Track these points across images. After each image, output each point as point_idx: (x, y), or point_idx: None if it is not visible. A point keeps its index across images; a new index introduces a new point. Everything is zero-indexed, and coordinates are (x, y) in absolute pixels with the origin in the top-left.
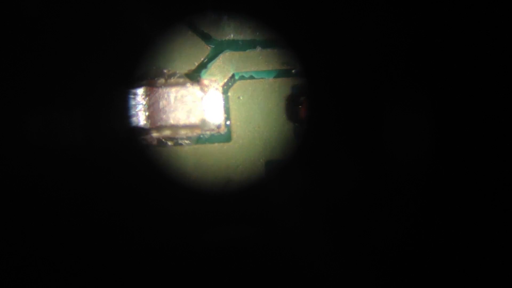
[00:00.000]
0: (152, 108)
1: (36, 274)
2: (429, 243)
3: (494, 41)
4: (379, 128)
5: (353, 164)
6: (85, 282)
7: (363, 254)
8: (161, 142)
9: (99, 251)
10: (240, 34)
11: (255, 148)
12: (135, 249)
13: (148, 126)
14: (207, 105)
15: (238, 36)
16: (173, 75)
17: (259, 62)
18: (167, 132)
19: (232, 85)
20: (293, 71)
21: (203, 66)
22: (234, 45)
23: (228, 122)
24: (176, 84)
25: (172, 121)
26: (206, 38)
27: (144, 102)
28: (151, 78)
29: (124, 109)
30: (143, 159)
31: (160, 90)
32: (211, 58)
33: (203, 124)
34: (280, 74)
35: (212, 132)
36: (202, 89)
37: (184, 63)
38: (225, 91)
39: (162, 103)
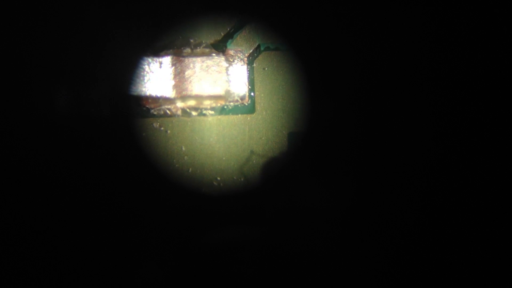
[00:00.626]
0: (178, 77)
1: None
2: (432, 244)
3: (494, 42)
4: (384, 128)
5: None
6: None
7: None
8: (185, 112)
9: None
10: None
11: (279, 120)
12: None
13: (173, 95)
14: (232, 75)
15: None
16: (199, 44)
17: (285, 33)
18: (191, 102)
19: (257, 56)
20: None
21: (229, 36)
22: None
23: (252, 94)
24: (202, 54)
25: (197, 91)
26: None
27: (170, 72)
28: (177, 48)
29: (149, 79)
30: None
31: (186, 59)
32: (238, 28)
33: (227, 95)
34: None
35: (236, 103)
36: (227, 60)
37: (210, 33)
38: (250, 62)
39: (188, 72)
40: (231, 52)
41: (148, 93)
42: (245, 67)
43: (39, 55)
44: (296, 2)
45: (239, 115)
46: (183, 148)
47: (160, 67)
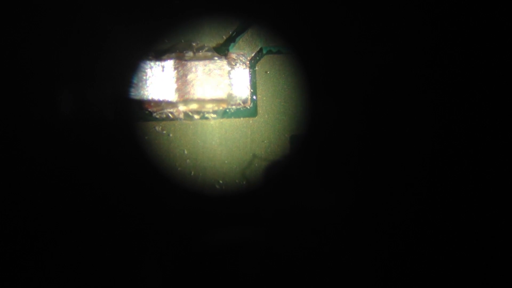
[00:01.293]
0: (180, 81)
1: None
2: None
3: (494, 42)
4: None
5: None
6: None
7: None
8: (187, 116)
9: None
10: None
11: (281, 123)
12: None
13: (175, 99)
14: (234, 79)
15: None
16: (201, 48)
17: (287, 36)
18: (193, 106)
19: (259, 59)
20: None
21: (231, 39)
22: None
23: (254, 97)
24: (204, 58)
25: (199, 95)
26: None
27: (173, 75)
28: (179, 51)
29: (152, 82)
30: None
31: (188, 63)
32: (240, 31)
33: (229, 98)
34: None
35: (238, 107)
36: (229, 63)
37: (212, 37)
38: (252, 66)
39: (190, 76)
40: (233, 55)
41: (150, 97)
42: (247, 70)
43: (41, 58)
44: (298, 5)
45: (241, 118)
46: (185, 152)
47: (163, 70)
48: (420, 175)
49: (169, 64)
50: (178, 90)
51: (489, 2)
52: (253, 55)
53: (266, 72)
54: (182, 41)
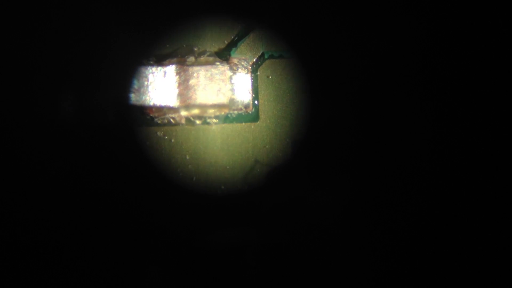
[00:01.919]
0: (182, 86)
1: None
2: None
3: (494, 42)
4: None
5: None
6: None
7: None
8: (189, 121)
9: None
10: None
11: (283, 128)
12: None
13: (177, 104)
14: (236, 84)
15: None
16: (203, 53)
17: (289, 41)
18: (195, 111)
19: (261, 64)
20: None
21: (233, 44)
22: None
23: (256, 102)
24: (206, 63)
25: (201, 100)
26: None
27: (174, 81)
28: (181, 56)
29: (153, 87)
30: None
31: (190, 68)
32: (241, 36)
33: (231, 103)
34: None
35: (240, 112)
36: (231, 68)
37: (214, 41)
38: (254, 70)
39: (192, 81)
40: (235, 60)
41: (152, 102)
42: (249, 75)
43: (44, 63)
44: (300, 10)
45: (243, 123)
46: (187, 157)
47: (164, 76)
48: (420, 177)
49: (171, 69)
50: (179, 95)
51: (488, 2)
52: (255, 60)
53: (268, 77)
54: (184, 46)
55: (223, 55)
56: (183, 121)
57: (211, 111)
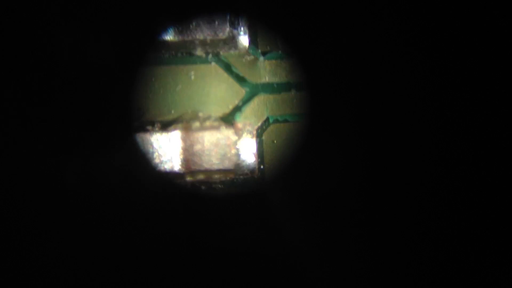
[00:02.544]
0: (187, 152)
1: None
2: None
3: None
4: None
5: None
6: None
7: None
8: (194, 187)
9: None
10: (275, 77)
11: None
12: None
13: (182, 170)
14: (241, 149)
15: (272, 78)
16: (207, 118)
17: (293, 105)
18: (201, 176)
19: (266, 128)
20: None
21: (237, 109)
22: (269, 88)
23: (262, 167)
24: (211, 128)
25: (206, 165)
26: (241, 81)
27: (179, 146)
28: (186, 122)
29: (159, 154)
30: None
31: (195, 133)
32: (246, 101)
33: (237, 169)
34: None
35: (246, 176)
36: (236, 133)
37: (218, 106)
38: (259, 135)
39: (197, 147)
40: (240, 125)
41: (157, 168)
42: (254, 140)
43: (48, 134)
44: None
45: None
46: None
47: (169, 141)
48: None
49: (175, 135)
50: (184, 161)
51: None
52: (259, 124)
53: (273, 141)
54: (189, 111)
55: (228, 120)
56: (188, 186)
57: (216, 176)
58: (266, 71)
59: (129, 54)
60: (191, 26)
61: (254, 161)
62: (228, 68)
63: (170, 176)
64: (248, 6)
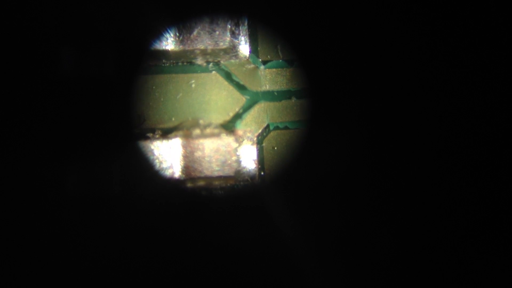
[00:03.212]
0: (187, 159)
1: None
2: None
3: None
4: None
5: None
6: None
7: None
8: (195, 193)
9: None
10: (275, 85)
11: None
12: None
13: (183, 177)
14: (242, 155)
15: (273, 86)
16: (208, 125)
17: (294, 112)
18: (201, 183)
19: (266, 135)
20: None
21: (238, 116)
22: (269, 96)
23: (262, 173)
24: (211, 135)
25: (206, 172)
26: (242, 89)
27: (180, 153)
28: (187, 129)
29: (160, 161)
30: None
31: (195, 141)
32: (246, 108)
33: (237, 175)
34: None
35: (246, 183)
36: (236, 140)
37: (219, 114)
38: (259, 142)
39: (197, 154)
40: (240, 132)
41: (158, 175)
42: (254, 146)
43: (49, 141)
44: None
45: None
46: None
47: (170, 149)
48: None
49: (176, 142)
50: (185, 167)
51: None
52: (260, 131)
53: (273, 148)
54: (190, 118)
55: (229, 127)
56: (188, 192)
57: (217, 183)
58: (267, 79)
59: (130, 62)
60: (192, 36)
61: (255, 168)
62: (228, 76)
63: (170, 182)
64: (249, 14)
